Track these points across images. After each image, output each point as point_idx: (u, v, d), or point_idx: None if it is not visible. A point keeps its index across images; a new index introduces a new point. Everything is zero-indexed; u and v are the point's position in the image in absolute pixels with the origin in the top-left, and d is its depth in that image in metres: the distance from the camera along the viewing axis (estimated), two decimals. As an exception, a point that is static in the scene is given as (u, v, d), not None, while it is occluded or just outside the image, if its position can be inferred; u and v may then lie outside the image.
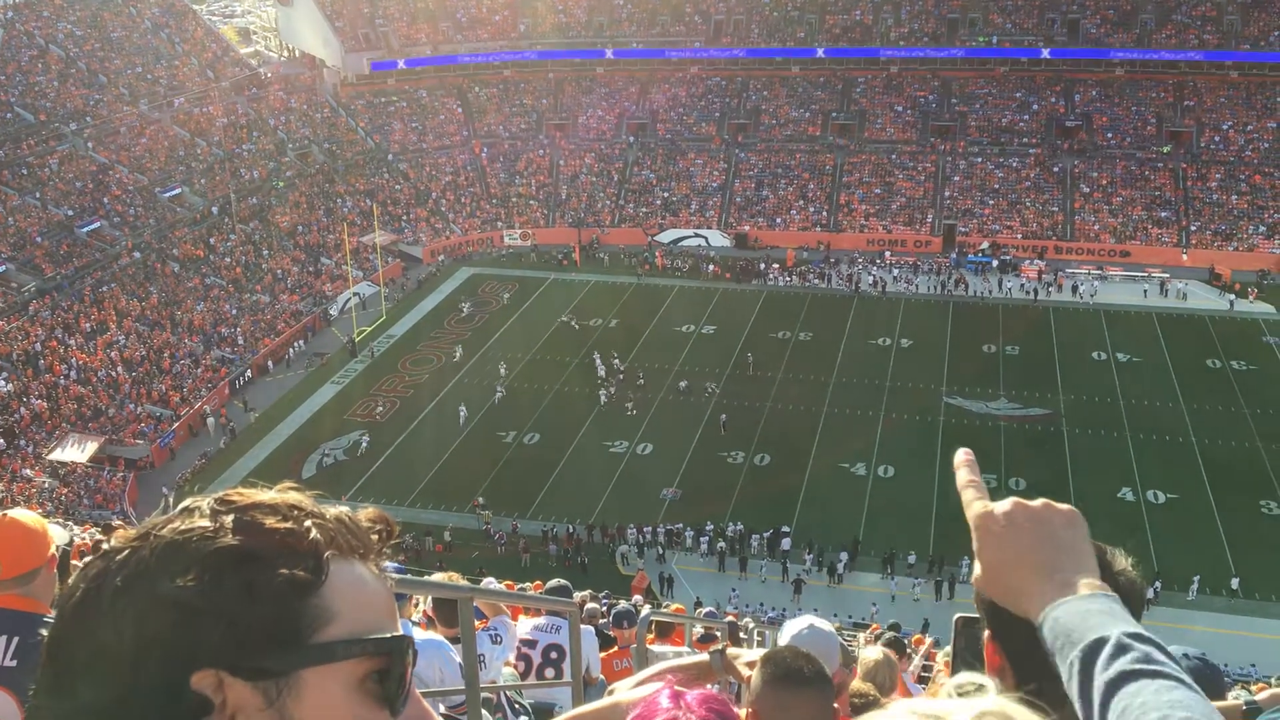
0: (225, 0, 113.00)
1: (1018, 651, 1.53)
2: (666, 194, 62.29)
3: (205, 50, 67.82)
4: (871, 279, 53.76)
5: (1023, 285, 52.47)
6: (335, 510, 1.19)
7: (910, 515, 34.70)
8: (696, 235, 59.30)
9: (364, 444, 40.05)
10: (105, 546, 1.13)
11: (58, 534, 3.45)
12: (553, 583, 8.11)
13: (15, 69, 57.34)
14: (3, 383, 39.39)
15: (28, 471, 35.76)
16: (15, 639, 2.99)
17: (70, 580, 1.11)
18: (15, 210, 49.22)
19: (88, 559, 1.14)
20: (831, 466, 37.96)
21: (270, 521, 1.11)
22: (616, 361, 45.46)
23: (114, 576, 1.07)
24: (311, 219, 57.50)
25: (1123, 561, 1.72)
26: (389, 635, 1.13)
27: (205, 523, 1.10)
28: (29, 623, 3.01)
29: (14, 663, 2.92)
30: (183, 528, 1.10)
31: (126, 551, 1.09)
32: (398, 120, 66.97)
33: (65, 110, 56.74)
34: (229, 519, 1.10)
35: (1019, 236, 56.87)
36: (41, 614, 3.07)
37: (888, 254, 56.30)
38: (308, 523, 1.13)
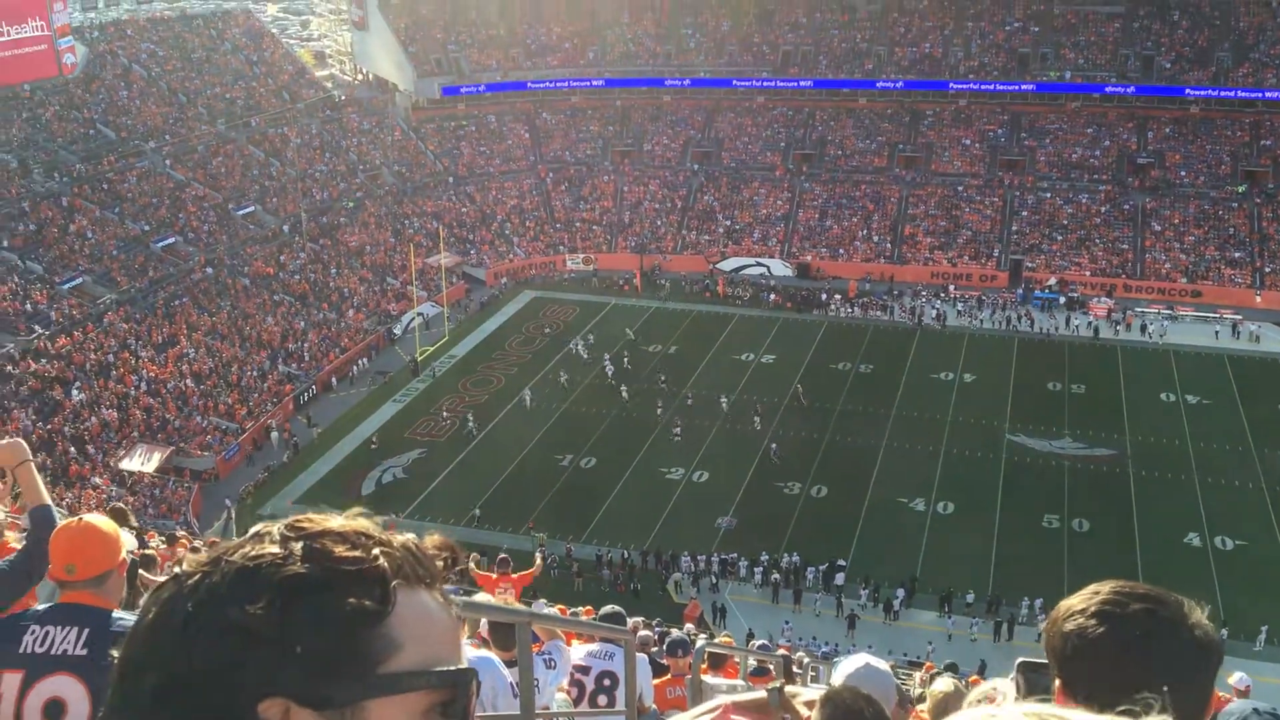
0: (303, 24, 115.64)
1: (1096, 704, 1.51)
2: (729, 222, 62.34)
3: (282, 72, 69.41)
4: (935, 312, 53.26)
5: (1090, 323, 51.63)
6: (402, 538, 1.20)
7: (969, 553, 34.17)
8: (758, 264, 59.24)
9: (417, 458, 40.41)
10: (176, 570, 1.15)
11: (127, 539, 3.64)
12: (606, 609, 8.11)
13: (100, 87, 59.11)
14: (76, 392, 40.39)
15: (96, 479, 36.56)
16: (87, 630, 3.19)
17: (142, 602, 1.14)
18: (94, 224, 50.61)
19: (159, 582, 1.18)
20: (890, 501, 37.53)
21: (339, 550, 1.12)
22: (627, 365, 47.52)
23: (185, 601, 1.08)
24: (379, 239, 58.39)
25: (1198, 614, 1.69)
26: (455, 668, 1.14)
27: (275, 549, 1.11)
28: (101, 617, 3.23)
29: (84, 651, 3.11)
30: (253, 554, 1.10)
31: (198, 576, 1.10)
32: (466, 144, 67.90)
33: (145, 128, 58.34)
34: (298, 546, 1.11)
35: (1087, 273, 56.01)
36: (111, 609, 3.32)
37: (952, 288, 55.76)
38: (375, 551, 1.14)
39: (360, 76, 75.74)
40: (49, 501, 4.00)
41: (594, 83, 70.02)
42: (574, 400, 45.25)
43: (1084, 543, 34.65)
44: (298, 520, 1.16)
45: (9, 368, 40.45)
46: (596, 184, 65.97)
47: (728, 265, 59.24)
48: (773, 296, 55.64)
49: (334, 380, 47.13)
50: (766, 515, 36.70)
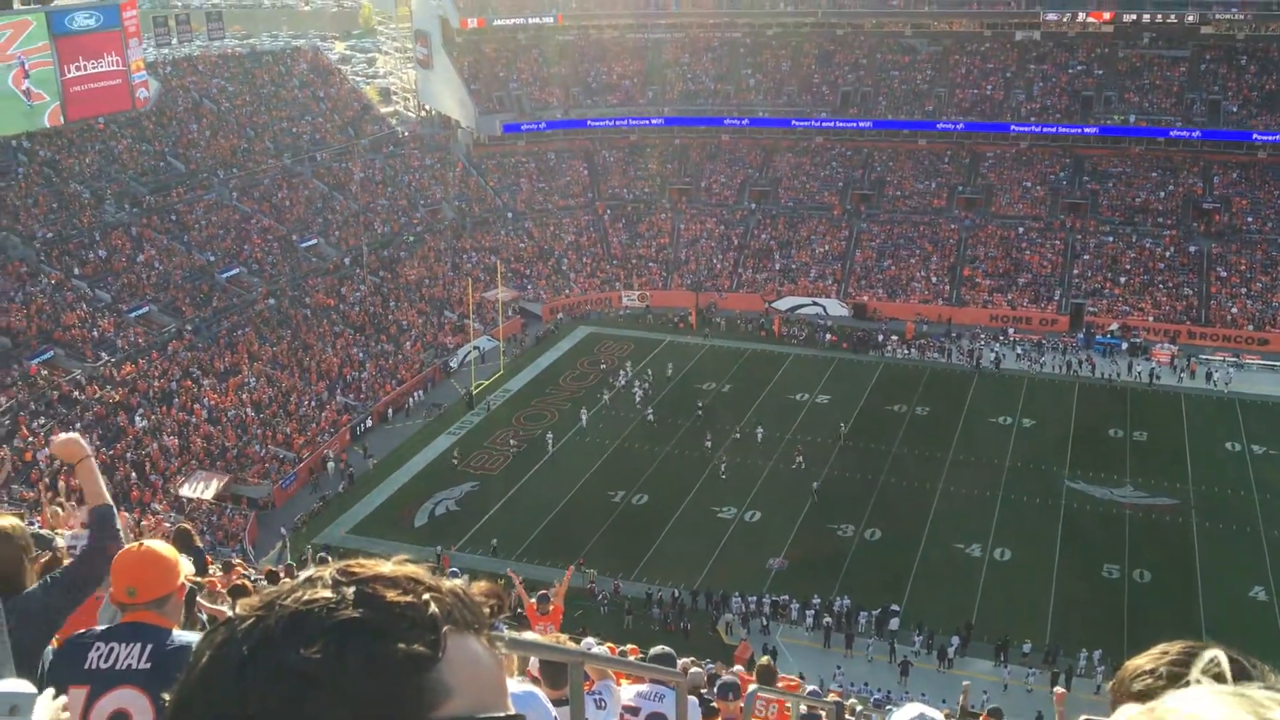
0: (369, 61, 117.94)
1: None
2: (786, 261, 62.25)
3: (348, 108, 70.80)
4: (993, 355, 52.63)
5: (1153, 369, 50.69)
6: (451, 583, 1.21)
7: (1027, 602, 33.54)
8: (814, 303, 59.03)
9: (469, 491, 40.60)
10: (229, 614, 1.17)
11: (186, 566, 3.76)
12: (657, 650, 8.05)
13: (171, 120, 60.69)
14: (139, 418, 41.18)
15: (156, 505, 37.14)
16: (150, 646, 3.36)
17: (195, 646, 1.15)
18: (162, 254, 51.79)
19: (212, 626, 1.19)
20: (945, 546, 36.98)
21: (391, 595, 1.12)
22: (649, 386, 48.77)
23: (239, 645, 1.09)
24: (438, 273, 59.08)
25: (1272, 678, 1.63)
26: (502, 715, 1.14)
27: (328, 594, 1.11)
28: (163, 634, 3.41)
29: (148, 665, 3.28)
30: (306, 598, 1.11)
31: (251, 620, 1.11)
32: (525, 180, 68.67)
33: (214, 161, 59.75)
34: (351, 591, 1.12)
35: (1150, 319, 55.06)
36: (172, 629, 3.49)
37: (1011, 331, 55.11)
38: (426, 596, 1.15)
39: (424, 113, 76.99)
40: (109, 500, 4.05)
41: (653, 121, 70.56)
42: (627, 436, 45.28)
43: (1145, 594, 33.85)
44: (349, 565, 1.17)
45: (75, 393, 41.39)
46: (654, 221, 66.30)
47: (783, 304, 59.11)
48: (828, 336, 55.38)
49: (389, 412, 47.60)
50: (819, 557, 36.34)
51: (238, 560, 16.95)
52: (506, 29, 72.21)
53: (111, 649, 3.31)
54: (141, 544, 3.59)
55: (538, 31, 72.92)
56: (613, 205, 67.37)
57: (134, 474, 38.34)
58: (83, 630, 3.53)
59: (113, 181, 54.93)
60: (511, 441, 45.23)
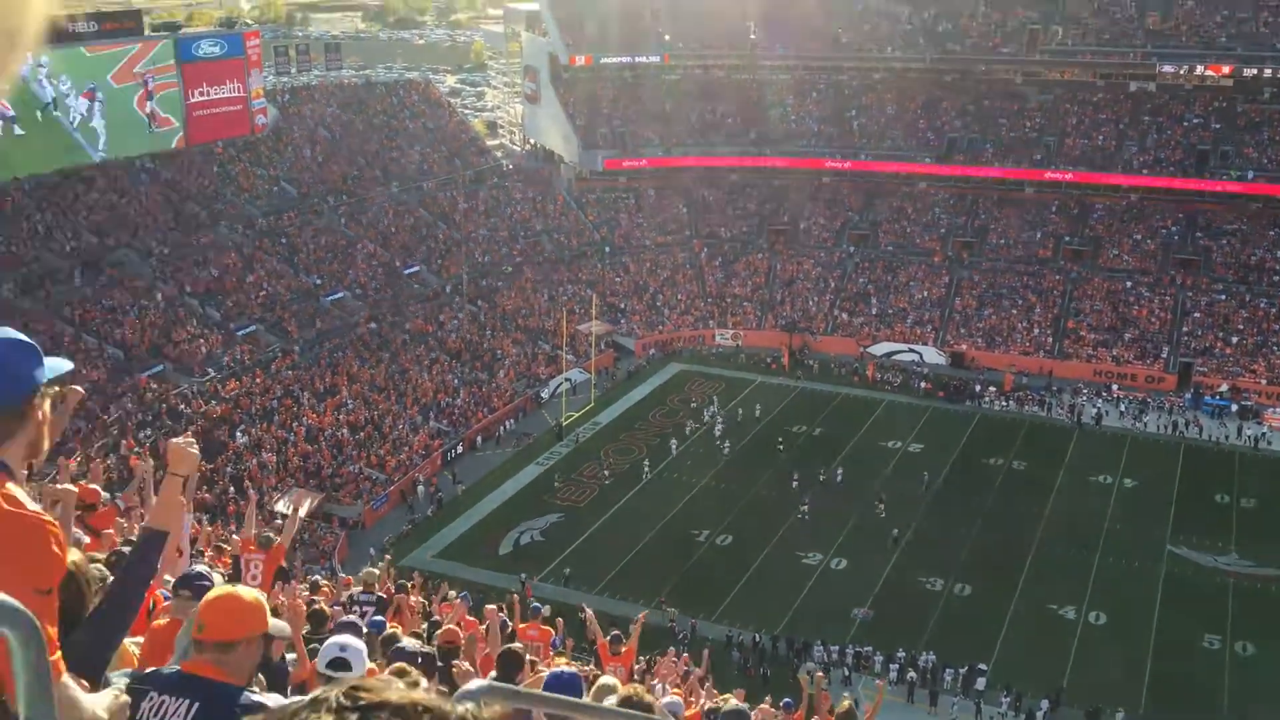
0: (478, 95, 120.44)
1: None
2: (883, 305, 61.55)
3: (455, 140, 72.34)
4: (1095, 412, 51.17)
5: (1264, 434, 48.75)
6: (461, 710, 1.18)
7: (1122, 668, 32.34)
8: (911, 350, 58.19)
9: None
10: None
11: (276, 625, 3.59)
12: (730, 708, 7.96)
13: (286, 146, 62.72)
14: (240, 434, 42.33)
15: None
16: (197, 704, 3.14)
17: None
18: (271, 275, 53.36)
19: None
20: (1038, 605, 35.90)
21: None
22: (720, 416, 48.83)
23: None
24: (534, 303, 59.76)
25: None
26: None
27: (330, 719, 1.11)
28: (215, 691, 3.16)
29: None
30: None
31: None
32: (624, 215, 69.25)
33: (325, 186, 61.54)
34: (354, 718, 1.12)
35: (1263, 381, 52.99)
36: (231, 683, 3.21)
37: (1115, 387, 53.55)
38: None
39: (528, 147, 78.35)
40: (167, 528, 3.58)
41: (754, 161, 70.62)
42: (713, 475, 45.06)
43: (1247, 667, 32.39)
44: (358, 688, 1.16)
45: (182, 406, 42.73)
46: (750, 260, 66.21)
47: (879, 349, 58.39)
48: (924, 384, 54.49)
49: (479, 439, 48.13)
50: (906, 609, 35.59)
51: (325, 581, 17.20)
52: (613, 67, 73.17)
53: (163, 702, 3.13)
54: (231, 589, 3.42)
55: (644, 70, 73.77)
56: (710, 243, 67.49)
57: (232, 488, 39.33)
58: (150, 670, 3.39)
59: (228, 203, 56.88)
60: (605, 473, 45.33)
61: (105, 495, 10.87)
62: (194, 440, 3.66)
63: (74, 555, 3.41)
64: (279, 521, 36.90)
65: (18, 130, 50.27)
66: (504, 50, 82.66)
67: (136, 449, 39.27)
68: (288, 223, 57.69)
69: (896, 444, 48.34)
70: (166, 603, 5.42)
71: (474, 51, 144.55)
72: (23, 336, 2.65)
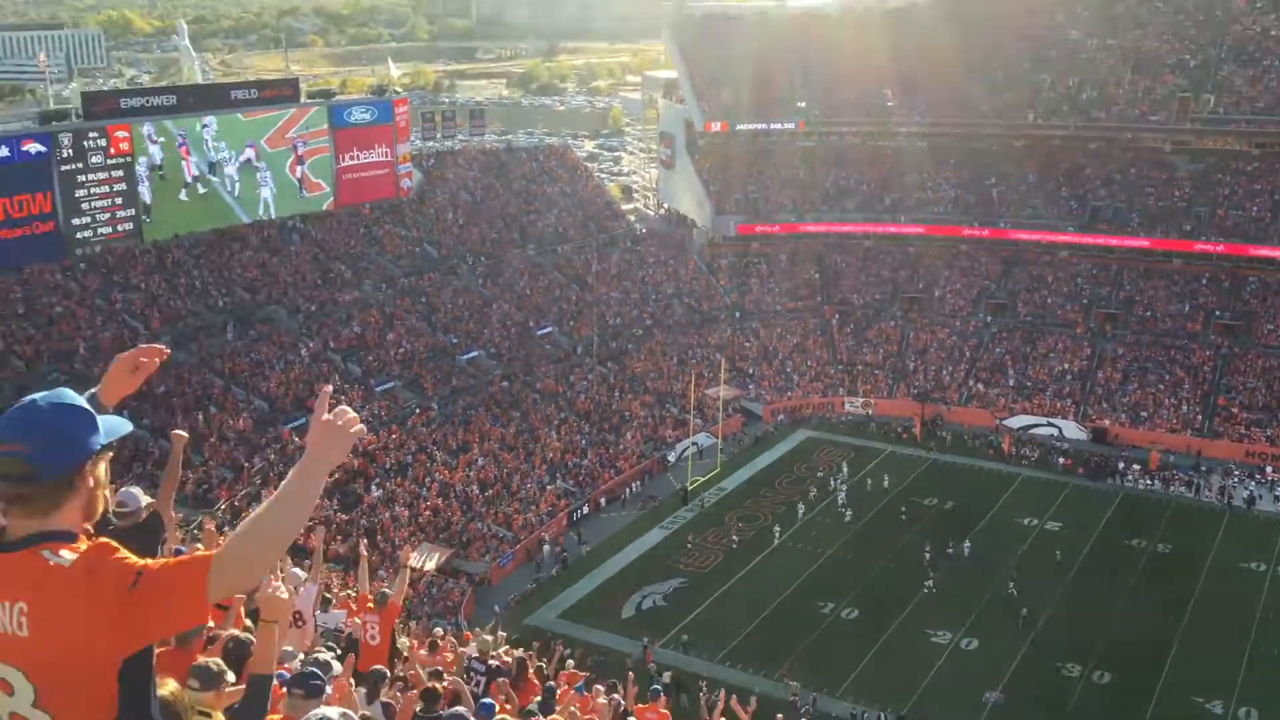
0: (615, 160, 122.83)
1: None
2: (1021, 377, 59.87)
3: (591, 203, 73.78)
4: (1247, 494, 48.54)
5: None
6: None
7: (1276, 773, 30.27)
8: (1049, 424, 56.31)
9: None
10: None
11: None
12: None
13: (429, 208, 64.92)
14: (375, 488, 43.49)
15: (381, 572, 38.83)
16: None
17: None
18: (409, 333, 55.02)
19: None
20: (1183, 699, 33.94)
21: None
22: (845, 484, 48.20)
23: None
24: (663, 367, 60.08)
25: None
26: None
27: None
28: None
29: None
30: None
31: None
32: (756, 280, 69.30)
33: (464, 248, 63.38)
34: None
35: None
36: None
37: (1269, 469, 50.74)
38: None
39: (662, 211, 79.35)
40: (272, 670, 3.66)
41: (889, 228, 70.02)
42: (840, 545, 44.22)
43: None
44: None
45: (321, 458, 44.11)
46: (882, 328, 65.36)
47: (1015, 422, 56.69)
48: (1063, 460, 52.63)
49: (603, 500, 48.33)
50: (1040, 695, 34.07)
51: (442, 635, 17.38)
52: (748, 133, 73.76)
53: None
54: None
55: (778, 136, 74.15)
56: (842, 310, 66.93)
57: (365, 540, 40.23)
58: None
59: (372, 263, 59.03)
60: (731, 539, 44.95)
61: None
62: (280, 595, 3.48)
63: (169, 687, 3.56)
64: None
65: (200, 189, 53.73)
66: (641, 116, 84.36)
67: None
68: (428, 283, 59.53)
69: (1032, 521, 46.70)
70: (280, 691, 5.43)
71: (612, 117, 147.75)
72: (79, 402, 2.82)
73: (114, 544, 2.75)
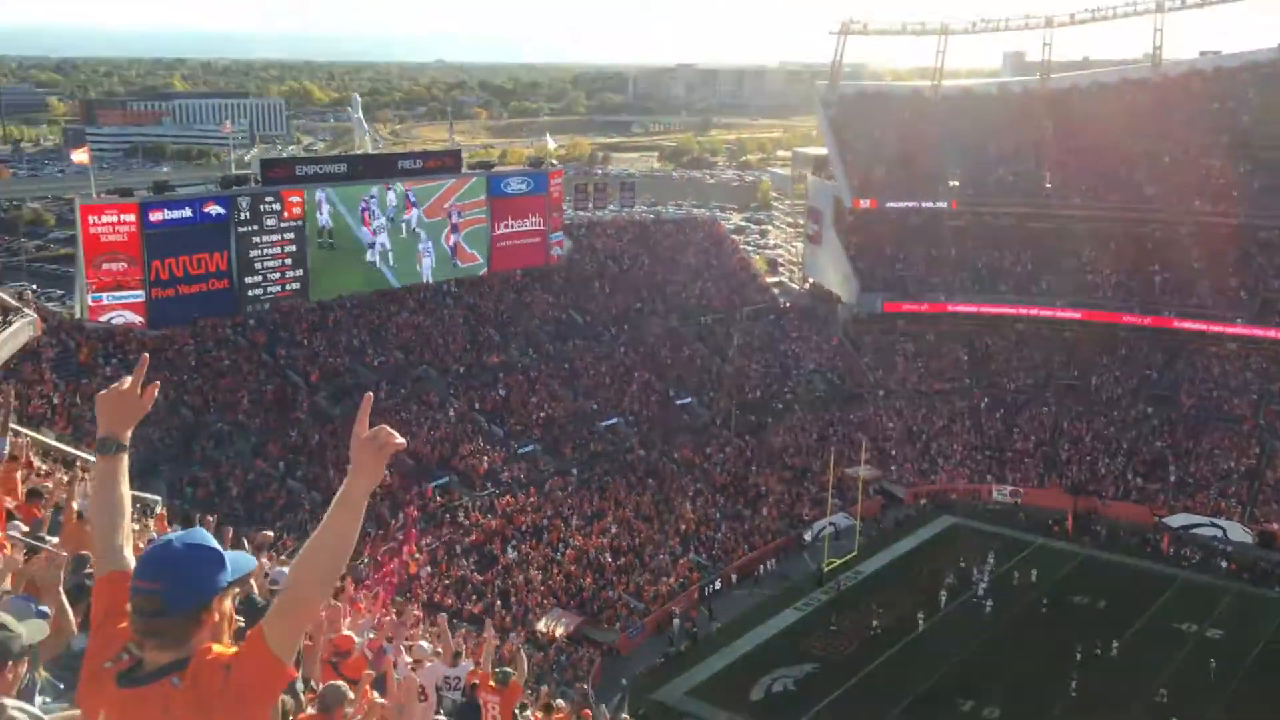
0: (762, 233, 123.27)
1: None
2: (1182, 473, 56.91)
3: (736, 276, 74.05)
4: None
5: None
6: None
7: None
8: (1212, 524, 53.20)
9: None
10: None
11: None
12: None
13: (578, 276, 66.21)
14: (511, 550, 44.00)
15: (512, 635, 39.10)
16: None
17: None
18: (551, 398, 55.87)
19: None
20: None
21: None
22: (987, 576, 46.30)
23: None
24: (802, 443, 59.35)
25: None
26: None
27: None
28: None
29: None
30: None
31: None
32: (901, 359, 68.10)
33: (608, 316, 64.27)
34: None
35: None
36: None
37: None
38: None
39: (807, 286, 79.03)
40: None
41: (1044, 312, 67.99)
42: (983, 641, 42.47)
43: None
44: None
45: (461, 517, 45.02)
46: (1034, 414, 63.22)
47: (1175, 521, 53.77)
48: (1226, 564, 49.58)
49: (734, 576, 47.69)
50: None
51: (561, 705, 17.30)
52: (898, 211, 73.06)
53: None
54: None
55: (930, 215, 73.17)
56: (991, 394, 65.09)
57: (499, 601, 40.73)
58: None
59: (520, 328, 60.36)
60: (871, 625, 43.72)
61: (359, 641, 11.39)
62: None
63: None
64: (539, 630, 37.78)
65: (368, 256, 56.26)
66: (790, 191, 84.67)
67: (416, 554, 41.61)
68: (571, 349, 60.50)
69: (1191, 626, 43.99)
70: None
71: (761, 192, 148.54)
72: (210, 543, 3.12)
73: (210, 647, 3.03)
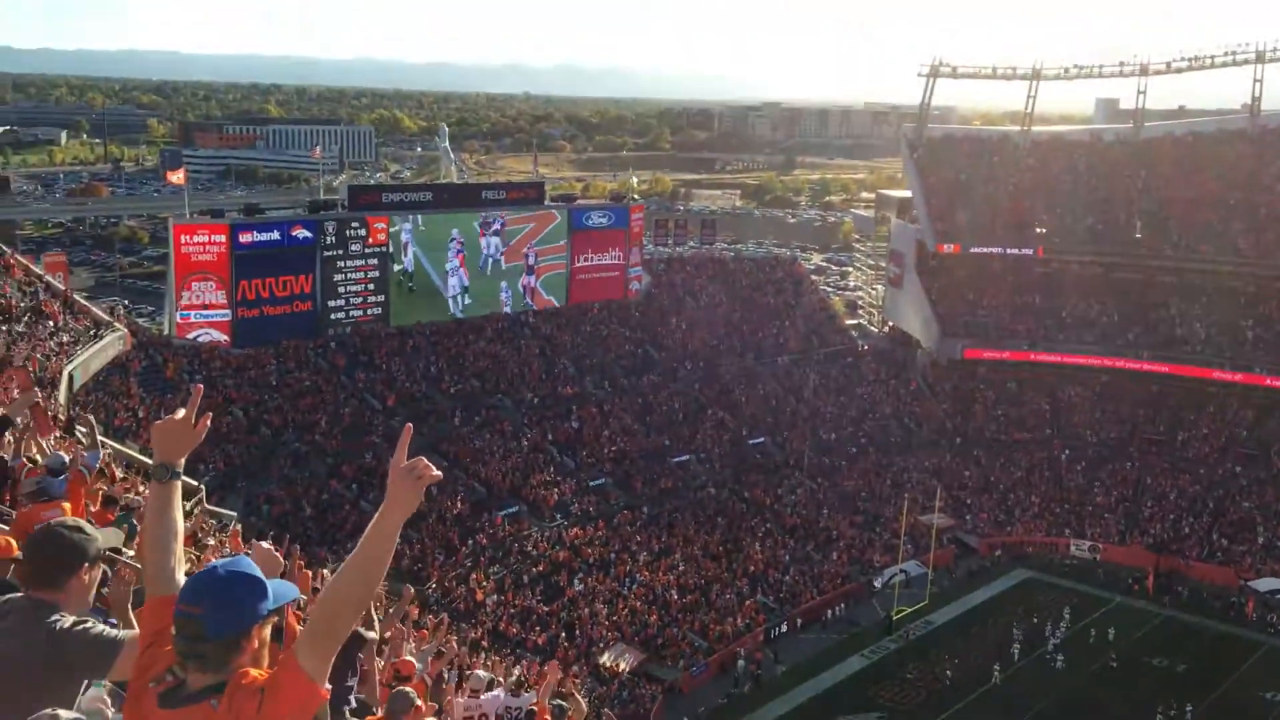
0: (842, 274, 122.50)
1: None
2: (1271, 536, 54.88)
3: (814, 316, 73.60)
4: None
5: None
6: None
7: None
8: (1303, 590, 51.20)
9: (880, 728, 38.60)
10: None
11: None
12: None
13: (655, 311, 66.37)
14: (577, 582, 43.95)
15: (575, 667, 39.00)
16: None
17: None
18: (624, 432, 55.90)
19: None
20: None
21: None
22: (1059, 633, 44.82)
23: None
24: (876, 488, 58.53)
25: None
26: None
27: None
28: None
29: None
30: None
31: None
32: (980, 407, 66.93)
33: (684, 352, 64.24)
34: None
35: None
36: None
37: None
38: None
39: (886, 329, 78.22)
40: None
41: (1130, 364, 66.36)
42: (1054, 700, 41.25)
43: None
44: None
45: (529, 547, 45.14)
46: (1117, 469, 61.59)
47: (1263, 585, 51.77)
48: (1317, 632, 47.64)
49: (798, 620, 47.02)
50: None
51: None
52: (981, 256, 72.06)
53: None
54: None
55: (1014, 262, 72.03)
56: (1073, 445, 63.60)
57: (564, 633, 40.67)
58: None
59: (596, 361, 60.61)
60: (942, 675, 42.78)
61: (419, 667, 11.43)
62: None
63: None
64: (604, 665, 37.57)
65: (451, 289, 57.10)
66: (872, 233, 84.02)
67: (484, 583, 41.77)
68: (646, 384, 60.54)
69: (1275, 696, 42.23)
70: None
71: (843, 232, 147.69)
72: (253, 571, 3.26)
73: (248, 670, 3.15)
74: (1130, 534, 56.90)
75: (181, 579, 3.54)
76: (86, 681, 3.93)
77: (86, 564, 3.95)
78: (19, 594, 3.96)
